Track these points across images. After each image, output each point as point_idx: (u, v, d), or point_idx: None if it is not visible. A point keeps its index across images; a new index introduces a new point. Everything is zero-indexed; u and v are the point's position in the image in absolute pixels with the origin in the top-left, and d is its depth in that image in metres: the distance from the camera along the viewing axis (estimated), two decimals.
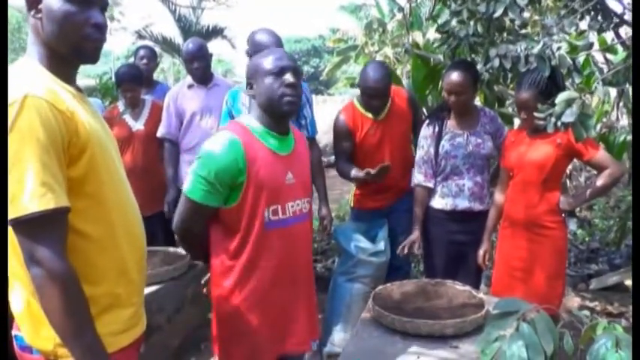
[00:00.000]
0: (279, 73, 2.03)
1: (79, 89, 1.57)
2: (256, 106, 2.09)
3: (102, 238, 1.47)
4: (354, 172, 3.37)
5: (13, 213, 1.30)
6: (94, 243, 1.46)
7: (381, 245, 3.41)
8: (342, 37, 14.89)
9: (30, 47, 1.49)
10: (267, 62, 2.05)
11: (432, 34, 6.35)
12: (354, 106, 3.56)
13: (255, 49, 3.03)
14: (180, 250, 3.57)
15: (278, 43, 3.09)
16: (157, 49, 12.13)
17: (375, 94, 3.35)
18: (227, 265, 2.04)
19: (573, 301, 4.34)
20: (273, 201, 2.01)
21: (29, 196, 1.29)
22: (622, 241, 5.18)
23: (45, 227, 1.32)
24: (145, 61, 4.76)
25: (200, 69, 3.93)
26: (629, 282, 4.38)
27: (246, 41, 3.19)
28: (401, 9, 7.05)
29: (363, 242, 3.42)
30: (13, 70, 1.44)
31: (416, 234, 3.23)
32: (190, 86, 4.01)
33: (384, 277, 3.37)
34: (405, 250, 3.20)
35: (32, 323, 1.44)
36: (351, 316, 3.31)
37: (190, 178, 1.99)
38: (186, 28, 11.70)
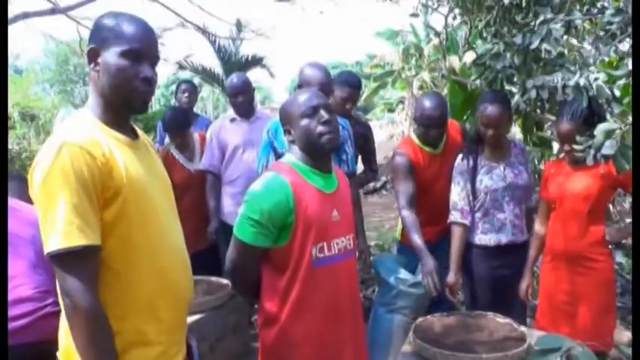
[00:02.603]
0: (312, 113, 2.07)
1: (135, 135, 1.72)
2: (297, 149, 2.13)
3: (129, 277, 1.58)
4: (417, 239, 3.19)
5: (46, 249, 1.47)
6: (123, 280, 1.57)
7: (421, 277, 3.40)
8: (379, 62, 15.00)
9: (89, 97, 1.68)
10: (299, 105, 2.10)
11: (469, 57, 6.36)
12: (413, 141, 3.45)
13: (302, 83, 3.10)
14: (223, 280, 3.63)
15: (325, 77, 3.12)
16: (197, 79, 12.45)
17: (431, 124, 3.27)
18: (276, 303, 2.06)
19: (622, 335, 4.16)
20: (320, 239, 2.03)
21: (58, 234, 1.45)
22: None
23: (73, 262, 1.47)
24: (186, 94, 4.94)
25: (244, 103, 4.01)
26: None
27: (298, 75, 3.25)
28: (437, 34, 7.07)
29: (403, 273, 3.40)
30: (69, 119, 1.66)
31: (453, 276, 3.08)
32: (233, 120, 4.09)
33: (425, 309, 3.35)
34: (451, 296, 3.12)
35: (67, 352, 1.57)
36: (392, 348, 3.28)
37: (240, 220, 2.03)
38: (226, 59, 11.96)
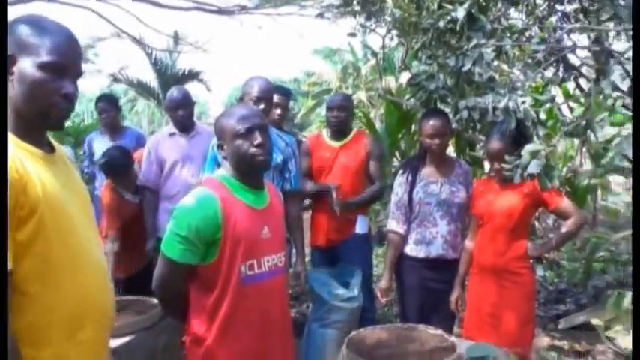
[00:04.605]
0: (246, 134, 2.06)
1: (51, 148, 1.60)
2: (229, 164, 2.12)
3: (47, 299, 1.46)
4: (309, 185, 3.81)
5: None
6: (39, 303, 1.44)
7: (355, 291, 3.44)
8: (317, 80, 15.17)
9: None
10: (233, 124, 2.08)
11: (405, 78, 6.53)
12: (319, 132, 4.09)
13: (244, 94, 3.19)
14: (154, 299, 3.55)
15: (266, 87, 3.18)
16: (132, 92, 12.20)
17: (335, 106, 3.86)
18: (204, 321, 2.03)
19: (543, 340, 4.41)
20: (249, 256, 2.02)
21: None
22: (588, 281, 5.37)
23: None
24: (103, 115, 4.82)
25: (184, 117, 3.95)
26: (595, 321, 4.50)
27: (241, 87, 3.29)
28: (374, 54, 7.22)
29: (336, 288, 3.45)
30: None
31: (385, 281, 3.33)
32: (172, 134, 4.02)
33: (358, 322, 3.41)
34: (383, 300, 3.29)
35: None
36: None
37: (167, 237, 2.00)
38: (162, 71, 11.79)
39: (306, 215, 4.02)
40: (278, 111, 3.90)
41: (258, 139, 2.06)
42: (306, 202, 4.36)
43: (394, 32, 4.33)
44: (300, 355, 3.49)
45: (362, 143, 3.89)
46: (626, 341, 4.11)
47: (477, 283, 3.12)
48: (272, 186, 2.36)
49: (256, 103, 3.07)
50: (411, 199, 3.27)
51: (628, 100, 3.32)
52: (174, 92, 3.99)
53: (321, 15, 4.98)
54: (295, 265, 3.36)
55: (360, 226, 3.82)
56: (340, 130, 3.89)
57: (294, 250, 3.47)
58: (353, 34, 4.90)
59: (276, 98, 3.76)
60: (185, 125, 3.99)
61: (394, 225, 3.33)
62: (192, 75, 12.14)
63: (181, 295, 2.09)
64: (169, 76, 11.63)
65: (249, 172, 2.10)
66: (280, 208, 2.30)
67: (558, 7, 3.27)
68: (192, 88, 12.89)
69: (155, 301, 3.47)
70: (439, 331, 2.60)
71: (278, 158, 3.18)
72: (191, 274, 2.04)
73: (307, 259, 4.23)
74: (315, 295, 3.50)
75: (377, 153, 3.95)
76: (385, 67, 7.58)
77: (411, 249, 3.30)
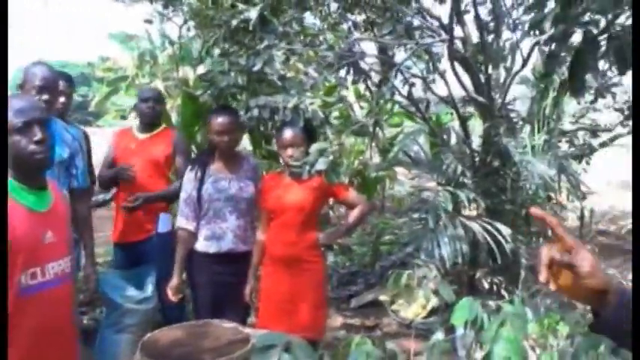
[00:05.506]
0: (24, 128, 1.91)
1: None
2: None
3: None
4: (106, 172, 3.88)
5: None
6: None
7: (149, 291, 3.37)
8: (112, 66, 14.35)
9: None
10: (10, 117, 1.90)
11: (202, 70, 6.48)
12: (130, 127, 4.14)
13: (24, 82, 2.94)
14: None
15: (49, 75, 2.95)
16: None
17: (146, 98, 3.86)
18: None
19: (336, 320, 4.77)
20: (31, 264, 1.88)
21: None
22: (376, 263, 5.86)
23: None
24: None
25: None
26: (382, 297, 5.03)
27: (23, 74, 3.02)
28: (172, 43, 7.06)
29: (129, 290, 3.34)
30: None
31: (175, 279, 3.28)
32: None
33: (153, 324, 3.32)
34: (173, 298, 3.27)
35: None
36: None
37: None
38: None
39: (102, 212, 3.85)
40: (62, 99, 3.58)
41: (37, 134, 1.91)
42: (101, 197, 4.18)
43: (191, 23, 4.29)
44: None
45: (169, 137, 3.91)
46: (407, 312, 4.63)
47: (270, 274, 3.23)
48: (55, 184, 2.22)
49: (39, 94, 2.85)
50: (200, 196, 3.27)
51: (405, 103, 3.70)
52: None
53: None
54: (84, 268, 3.16)
55: (163, 225, 3.75)
56: (152, 123, 3.90)
57: (83, 252, 3.26)
58: (149, 21, 4.78)
59: (59, 86, 3.52)
60: None
61: (183, 222, 3.29)
62: None
63: None
64: None
65: (28, 170, 1.95)
66: (66, 209, 2.16)
67: (350, 16, 3.51)
68: None
69: None
70: (233, 324, 2.64)
71: (64, 153, 2.99)
72: None
73: (109, 258, 4.07)
74: (107, 299, 3.34)
75: (183, 148, 3.95)
76: (183, 57, 7.44)
77: (201, 245, 3.29)
